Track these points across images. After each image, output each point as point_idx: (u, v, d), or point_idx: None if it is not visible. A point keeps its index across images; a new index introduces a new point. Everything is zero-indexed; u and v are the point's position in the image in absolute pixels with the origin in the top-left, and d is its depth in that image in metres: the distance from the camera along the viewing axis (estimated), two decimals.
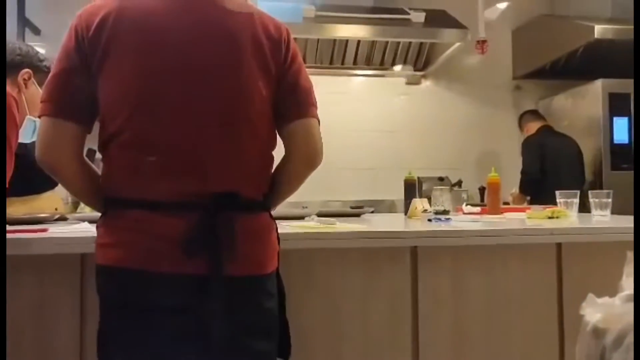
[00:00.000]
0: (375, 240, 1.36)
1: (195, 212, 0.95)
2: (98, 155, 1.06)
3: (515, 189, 3.35)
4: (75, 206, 2.14)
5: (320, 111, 1.13)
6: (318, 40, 3.42)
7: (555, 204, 2.05)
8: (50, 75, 1.01)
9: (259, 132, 1.05)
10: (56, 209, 1.92)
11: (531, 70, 3.81)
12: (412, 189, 2.16)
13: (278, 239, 1.09)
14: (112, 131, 0.98)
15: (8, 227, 1.23)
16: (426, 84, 3.94)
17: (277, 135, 1.11)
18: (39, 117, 1.01)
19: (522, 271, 1.46)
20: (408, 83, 3.90)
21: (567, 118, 3.61)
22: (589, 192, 2.00)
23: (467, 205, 2.31)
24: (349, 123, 3.76)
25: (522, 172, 3.33)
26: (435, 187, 2.20)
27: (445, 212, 2.00)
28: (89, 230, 1.31)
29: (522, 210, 2.22)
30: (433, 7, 3.44)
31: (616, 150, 3.28)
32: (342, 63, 3.67)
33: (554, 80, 3.81)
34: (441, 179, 3.55)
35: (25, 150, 1.43)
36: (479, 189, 3.70)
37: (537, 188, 3.23)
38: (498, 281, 1.45)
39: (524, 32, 3.91)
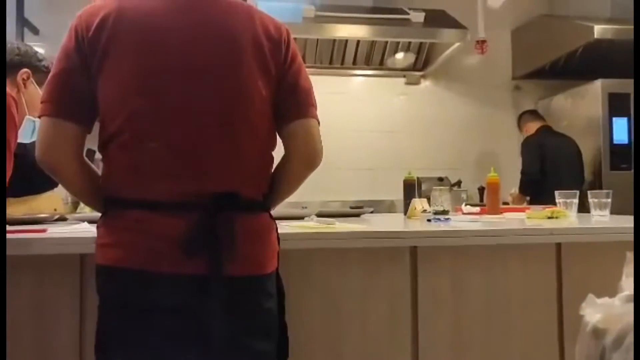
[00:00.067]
0: (374, 240, 1.36)
1: (195, 212, 0.95)
2: (98, 155, 1.06)
3: (515, 189, 3.35)
4: (75, 206, 2.14)
5: (319, 111, 1.13)
6: (317, 40, 3.42)
7: (554, 204, 2.05)
8: (50, 75, 1.02)
9: (258, 132, 1.05)
10: (55, 210, 1.93)
11: (530, 70, 3.81)
12: (411, 189, 2.16)
13: (278, 239, 1.09)
14: (112, 131, 0.98)
15: (8, 227, 1.22)
16: (426, 84, 3.94)
17: (277, 135, 1.11)
18: (39, 117, 1.01)
19: (521, 271, 1.46)
20: (407, 83, 3.90)
21: (566, 118, 3.61)
22: (589, 192, 2.00)
23: (466, 205, 2.31)
24: (349, 123, 3.76)
25: (522, 173, 3.33)
26: (434, 187, 2.21)
27: (444, 212, 2.00)
28: (89, 230, 1.31)
29: (522, 210, 2.22)
30: (432, 7, 3.44)
31: (615, 151, 3.28)
32: (342, 63, 3.67)
33: (553, 81, 3.82)
34: (440, 179, 3.55)
35: (24, 151, 1.42)
36: (479, 189, 3.70)
37: (536, 188, 3.23)
38: (497, 281, 1.45)
39: (524, 32, 3.91)
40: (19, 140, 1.34)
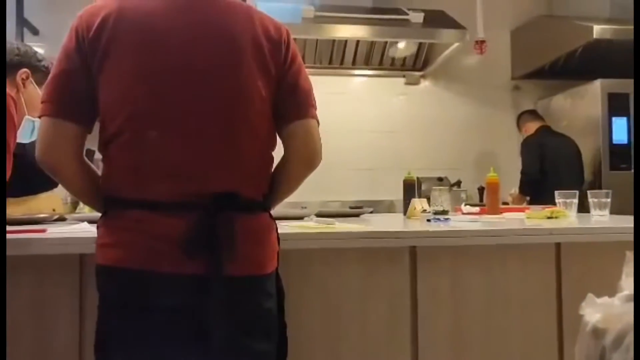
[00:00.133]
0: (374, 240, 1.36)
1: (195, 212, 0.95)
2: (98, 155, 1.06)
3: (515, 189, 3.35)
4: (74, 206, 2.14)
5: (319, 111, 1.13)
6: (317, 40, 3.42)
7: (554, 204, 2.05)
8: (50, 75, 1.02)
9: (258, 133, 1.05)
10: (54, 210, 1.92)
11: (530, 70, 3.81)
12: (411, 189, 2.16)
13: (278, 239, 1.10)
14: (112, 131, 0.98)
15: (7, 228, 1.22)
16: (425, 84, 3.94)
17: (277, 136, 1.11)
18: (40, 117, 1.01)
19: (521, 271, 1.46)
20: (407, 83, 3.90)
21: (566, 118, 3.61)
22: (588, 192, 2.00)
23: (466, 205, 2.31)
24: (348, 123, 3.76)
25: (522, 173, 3.33)
26: (434, 187, 2.21)
27: (444, 212, 2.00)
28: (88, 230, 1.31)
29: (521, 210, 2.22)
30: (432, 7, 3.44)
31: (615, 150, 3.28)
32: (341, 63, 3.67)
33: (552, 81, 3.82)
34: (440, 179, 3.55)
35: (23, 151, 1.42)
36: (478, 189, 3.69)
37: (536, 188, 3.23)
38: (497, 281, 1.45)
39: (523, 33, 3.91)
40: (18, 141, 1.34)
